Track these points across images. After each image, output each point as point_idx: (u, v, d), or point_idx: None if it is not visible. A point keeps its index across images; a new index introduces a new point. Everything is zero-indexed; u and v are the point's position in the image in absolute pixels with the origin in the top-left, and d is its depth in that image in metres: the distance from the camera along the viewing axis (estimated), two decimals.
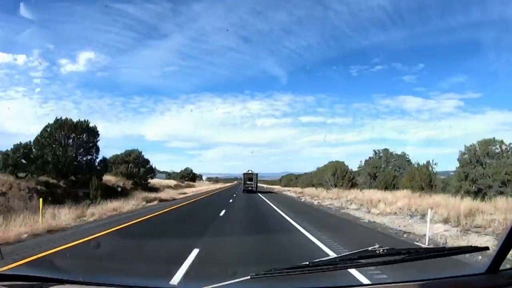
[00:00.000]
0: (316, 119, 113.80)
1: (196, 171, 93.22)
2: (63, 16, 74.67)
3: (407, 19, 74.73)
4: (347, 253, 1.69)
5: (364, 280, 4.83)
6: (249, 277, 1.53)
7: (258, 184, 49.30)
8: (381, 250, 1.66)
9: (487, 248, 1.90)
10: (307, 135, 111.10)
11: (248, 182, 45.92)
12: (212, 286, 1.50)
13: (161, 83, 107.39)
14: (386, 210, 16.96)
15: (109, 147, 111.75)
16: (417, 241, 9.68)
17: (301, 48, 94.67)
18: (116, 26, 79.52)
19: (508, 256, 1.69)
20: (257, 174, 48.12)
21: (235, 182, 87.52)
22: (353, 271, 4.97)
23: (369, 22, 78.68)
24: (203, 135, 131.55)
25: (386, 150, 37.61)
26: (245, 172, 47.80)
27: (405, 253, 1.69)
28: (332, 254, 6.64)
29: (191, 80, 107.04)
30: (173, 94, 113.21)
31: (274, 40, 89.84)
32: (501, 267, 1.68)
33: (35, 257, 6.70)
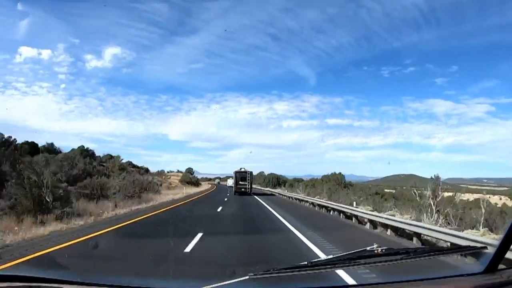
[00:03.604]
0: (343, 121, 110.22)
1: (216, 172, 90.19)
2: (88, 10, 74.37)
3: (442, 19, 72.08)
4: (346, 253, 1.69)
5: (362, 279, 4.83)
6: (247, 277, 1.53)
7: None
8: (380, 250, 1.66)
9: (485, 248, 1.90)
10: (332, 138, 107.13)
11: (240, 183, 39.14)
12: (211, 286, 1.50)
13: (186, 81, 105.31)
14: None
15: (133, 145, 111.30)
16: None
17: (331, 48, 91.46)
18: (142, 21, 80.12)
19: (506, 255, 1.70)
20: (251, 172, 40.95)
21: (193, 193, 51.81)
22: (351, 271, 4.97)
23: (403, 22, 75.54)
24: (226, 136, 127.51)
25: None
26: (237, 170, 40.31)
27: (403, 253, 1.69)
28: None
29: (217, 79, 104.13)
30: (198, 93, 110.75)
31: (303, 39, 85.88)
32: (499, 267, 1.69)
33: None
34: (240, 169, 40.52)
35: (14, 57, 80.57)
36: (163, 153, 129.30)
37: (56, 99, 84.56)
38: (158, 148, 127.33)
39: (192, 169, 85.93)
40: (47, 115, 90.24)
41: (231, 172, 43.54)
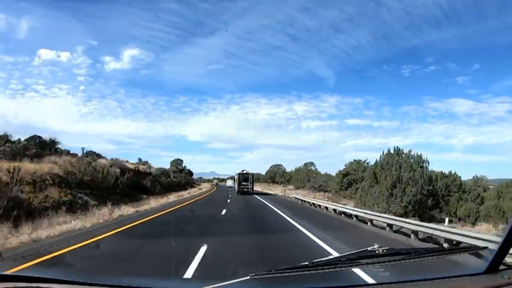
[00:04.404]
0: (362, 122, 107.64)
1: (234, 173, 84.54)
2: (107, 12, 74.48)
3: (462, 16, 69.93)
4: (347, 253, 1.69)
5: (365, 279, 4.83)
6: (248, 277, 1.53)
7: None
8: (381, 250, 1.66)
9: (486, 248, 1.90)
10: (351, 138, 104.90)
11: (243, 183, 41.31)
12: (212, 286, 1.50)
13: (205, 82, 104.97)
14: None
15: (152, 147, 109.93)
16: None
17: (350, 47, 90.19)
18: (160, 23, 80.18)
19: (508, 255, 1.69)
20: (253, 174, 43.78)
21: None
22: (354, 270, 4.97)
23: (423, 20, 73.20)
24: (245, 137, 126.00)
25: None
26: (239, 172, 42.93)
27: (404, 253, 1.69)
28: None
29: (236, 80, 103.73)
30: (217, 94, 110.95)
31: (322, 39, 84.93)
32: (500, 267, 1.69)
33: None
34: (243, 171, 42.30)
35: (33, 60, 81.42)
36: (182, 154, 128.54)
37: (76, 101, 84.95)
38: (177, 149, 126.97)
39: (181, 161, 65.01)
40: (67, 117, 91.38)
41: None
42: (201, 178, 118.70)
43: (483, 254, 1.73)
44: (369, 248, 1.68)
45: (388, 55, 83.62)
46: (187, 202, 25.40)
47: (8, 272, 1.76)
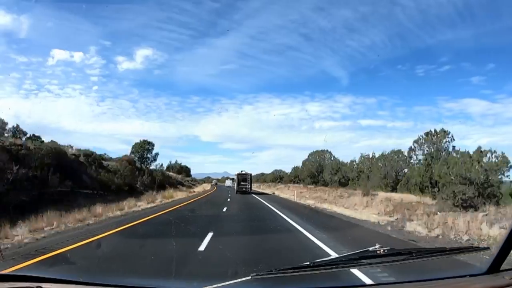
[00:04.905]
0: (376, 122, 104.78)
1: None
2: (119, 13, 74.63)
3: (478, 15, 68.19)
4: (348, 253, 1.68)
5: (365, 280, 4.82)
6: (249, 277, 1.53)
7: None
8: (382, 250, 1.66)
9: (488, 248, 1.89)
10: (365, 139, 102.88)
11: (242, 183, 42.73)
12: (213, 286, 1.50)
13: (218, 82, 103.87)
14: None
15: (165, 147, 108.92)
16: None
17: (364, 47, 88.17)
18: (173, 23, 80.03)
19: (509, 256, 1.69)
20: (251, 174, 45.24)
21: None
22: (354, 271, 4.96)
23: (438, 19, 70.55)
24: (258, 137, 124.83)
25: None
26: (238, 172, 44.47)
27: (406, 254, 1.69)
28: None
29: (249, 80, 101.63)
30: (230, 94, 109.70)
31: (336, 39, 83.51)
32: (502, 267, 1.68)
33: None
34: (241, 171, 43.89)
35: (47, 60, 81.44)
36: (194, 155, 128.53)
37: (89, 101, 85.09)
38: (189, 149, 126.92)
39: (151, 145, 43.38)
40: (80, 117, 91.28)
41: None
42: (209, 177, 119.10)
43: (485, 254, 1.73)
44: (370, 249, 1.67)
45: (402, 54, 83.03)
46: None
47: (8, 272, 1.76)
